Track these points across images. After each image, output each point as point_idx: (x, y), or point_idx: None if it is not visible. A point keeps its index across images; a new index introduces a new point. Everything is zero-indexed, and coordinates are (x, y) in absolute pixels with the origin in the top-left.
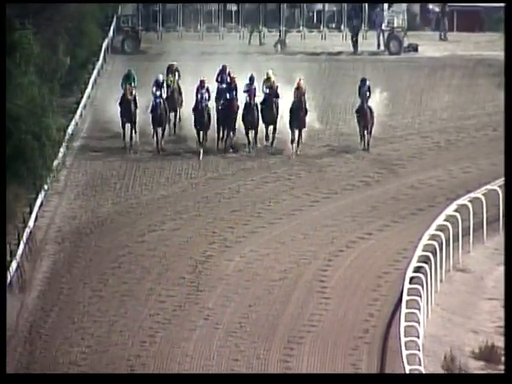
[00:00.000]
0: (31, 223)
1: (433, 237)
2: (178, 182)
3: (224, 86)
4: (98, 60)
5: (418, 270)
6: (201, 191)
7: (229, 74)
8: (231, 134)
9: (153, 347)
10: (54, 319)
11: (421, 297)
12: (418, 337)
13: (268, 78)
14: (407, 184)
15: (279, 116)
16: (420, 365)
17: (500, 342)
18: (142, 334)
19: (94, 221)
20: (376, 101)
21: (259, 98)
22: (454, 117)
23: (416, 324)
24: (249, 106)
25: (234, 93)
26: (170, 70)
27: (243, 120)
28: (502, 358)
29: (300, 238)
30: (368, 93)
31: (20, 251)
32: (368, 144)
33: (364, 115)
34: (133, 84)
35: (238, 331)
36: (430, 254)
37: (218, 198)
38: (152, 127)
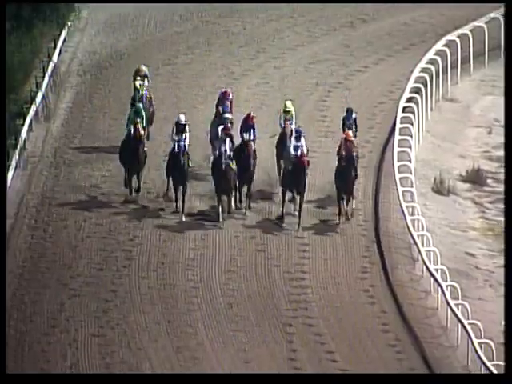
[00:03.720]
0: (55, 57)
1: (424, 69)
2: (190, 19)
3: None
4: None
5: (410, 100)
6: (211, 28)
7: (231, 102)
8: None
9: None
10: (77, 145)
11: (413, 124)
12: (410, 161)
13: (287, 112)
14: (401, 21)
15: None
16: (412, 187)
17: (485, 166)
18: (156, 159)
19: (113, 55)
20: None
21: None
22: None
23: (408, 149)
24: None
25: (252, 131)
26: (138, 74)
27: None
28: (487, 181)
29: (302, 72)
30: (354, 126)
31: (45, 83)
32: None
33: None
34: (142, 124)
35: None
36: (421, 86)
37: (226, 34)
38: (173, 185)
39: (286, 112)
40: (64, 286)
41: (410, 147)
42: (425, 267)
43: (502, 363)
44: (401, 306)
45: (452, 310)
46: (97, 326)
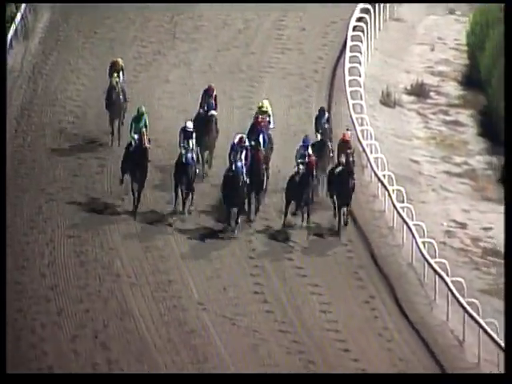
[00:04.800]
0: None
1: None
2: None
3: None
4: None
5: (360, 19)
6: None
7: (215, 98)
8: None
9: (137, 85)
10: (53, 61)
11: (362, 42)
12: (360, 76)
13: (264, 111)
14: None
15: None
16: (361, 99)
17: (428, 80)
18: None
19: None
20: None
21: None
22: None
23: (358, 65)
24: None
25: (262, 136)
26: (115, 68)
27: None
28: (430, 93)
29: None
30: (327, 125)
31: (24, 4)
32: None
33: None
34: (145, 130)
35: (208, 72)
36: (369, 6)
37: None
38: (174, 190)
39: (263, 112)
40: (42, 190)
41: (360, 63)
42: (373, 173)
43: (443, 260)
44: (351, 209)
45: (398, 212)
46: (72, 227)
